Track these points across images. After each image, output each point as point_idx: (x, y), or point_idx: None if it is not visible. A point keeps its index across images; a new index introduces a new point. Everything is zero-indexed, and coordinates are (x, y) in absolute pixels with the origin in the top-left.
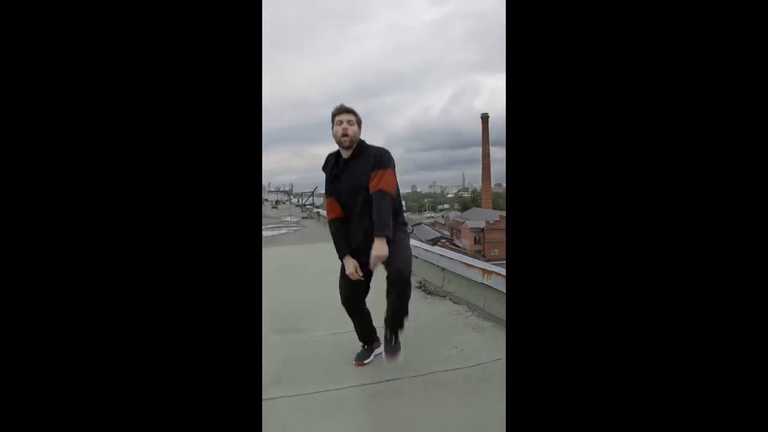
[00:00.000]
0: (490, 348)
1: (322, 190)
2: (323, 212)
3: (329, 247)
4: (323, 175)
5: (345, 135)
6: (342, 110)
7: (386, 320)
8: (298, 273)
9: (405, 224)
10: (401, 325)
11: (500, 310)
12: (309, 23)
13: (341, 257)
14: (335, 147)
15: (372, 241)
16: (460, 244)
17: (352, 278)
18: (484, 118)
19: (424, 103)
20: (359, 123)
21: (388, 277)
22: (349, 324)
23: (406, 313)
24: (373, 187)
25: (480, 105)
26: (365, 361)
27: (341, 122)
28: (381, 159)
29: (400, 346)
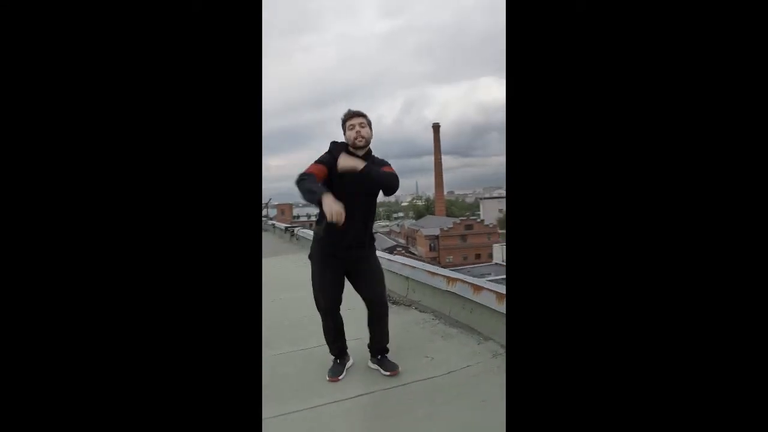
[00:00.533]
0: (459, 355)
1: (276, 202)
2: (278, 224)
3: (285, 262)
4: (277, 186)
5: (360, 137)
6: (352, 115)
7: (373, 343)
8: None
9: (374, 239)
10: (386, 345)
11: (466, 317)
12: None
13: (320, 197)
14: (291, 157)
15: (359, 252)
16: (415, 252)
17: (336, 218)
18: (436, 127)
19: (376, 112)
20: (370, 124)
21: (367, 301)
22: (312, 340)
23: (387, 332)
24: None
25: (431, 115)
26: (339, 377)
27: (353, 126)
28: (384, 161)
29: (392, 362)
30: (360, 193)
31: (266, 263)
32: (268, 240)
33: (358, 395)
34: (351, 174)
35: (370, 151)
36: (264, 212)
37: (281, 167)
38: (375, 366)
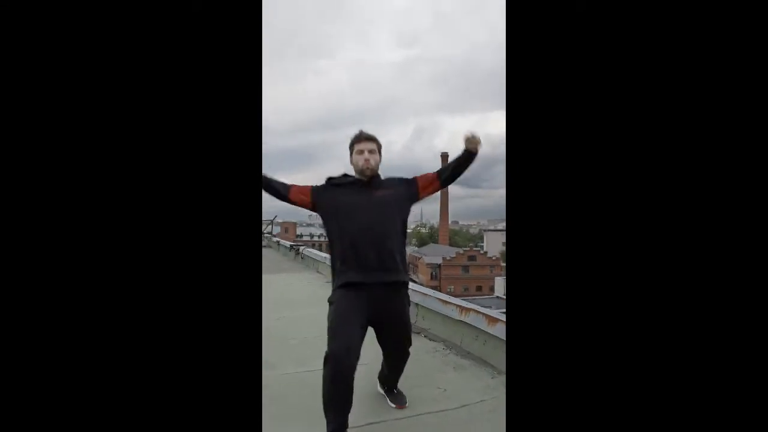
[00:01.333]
0: (473, 389)
1: (281, 219)
2: (283, 242)
3: (290, 279)
4: (282, 205)
5: (368, 167)
6: (363, 138)
7: (384, 377)
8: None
9: (407, 276)
10: (398, 380)
11: (479, 349)
12: (274, 53)
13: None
14: (298, 178)
15: (384, 276)
16: (416, 279)
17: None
18: (444, 156)
19: (386, 138)
20: (380, 150)
21: (388, 345)
22: (320, 360)
23: (399, 374)
24: (435, 177)
25: (441, 144)
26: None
27: (362, 152)
28: (405, 178)
29: (403, 393)
30: (364, 215)
31: (270, 280)
32: (272, 256)
33: (369, 423)
34: (351, 196)
35: (378, 176)
36: (268, 229)
37: None
38: (382, 392)
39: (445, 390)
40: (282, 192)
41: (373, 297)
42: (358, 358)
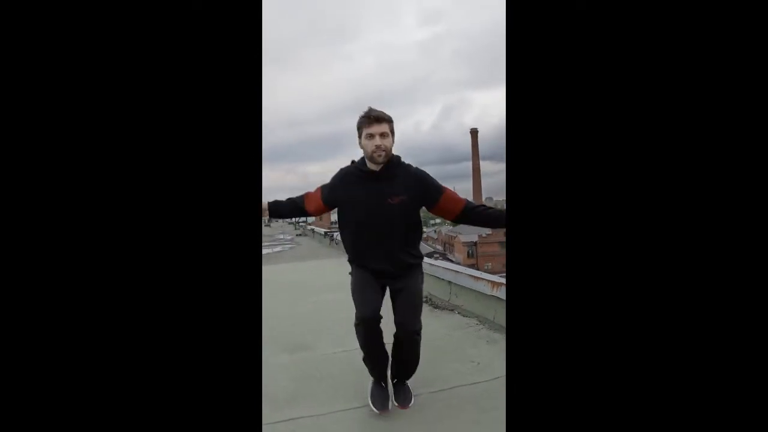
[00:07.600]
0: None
1: None
2: (317, 229)
3: (326, 264)
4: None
5: (380, 152)
6: (373, 119)
7: (394, 369)
8: (299, 290)
9: (421, 257)
10: (411, 374)
11: None
12: (300, 41)
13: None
14: (329, 165)
15: (402, 270)
16: (453, 258)
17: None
18: (474, 132)
19: (414, 119)
20: (393, 132)
21: (396, 325)
22: (355, 341)
23: (417, 362)
24: (457, 209)
25: (470, 120)
26: (389, 408)
27: (373, 136)
28: (433, 183)
29: (410, 391)
30: (371, 218)
31: (305, 266)
32: (307, 243)
33: None
34: (375, 198)
35: (397, 159)
36: (304, 218)
37: (319, 174)
38: (391, 384)
39: (478, 363)
40: (299, 205)
41: (382, 276)
42: (378, 308)
